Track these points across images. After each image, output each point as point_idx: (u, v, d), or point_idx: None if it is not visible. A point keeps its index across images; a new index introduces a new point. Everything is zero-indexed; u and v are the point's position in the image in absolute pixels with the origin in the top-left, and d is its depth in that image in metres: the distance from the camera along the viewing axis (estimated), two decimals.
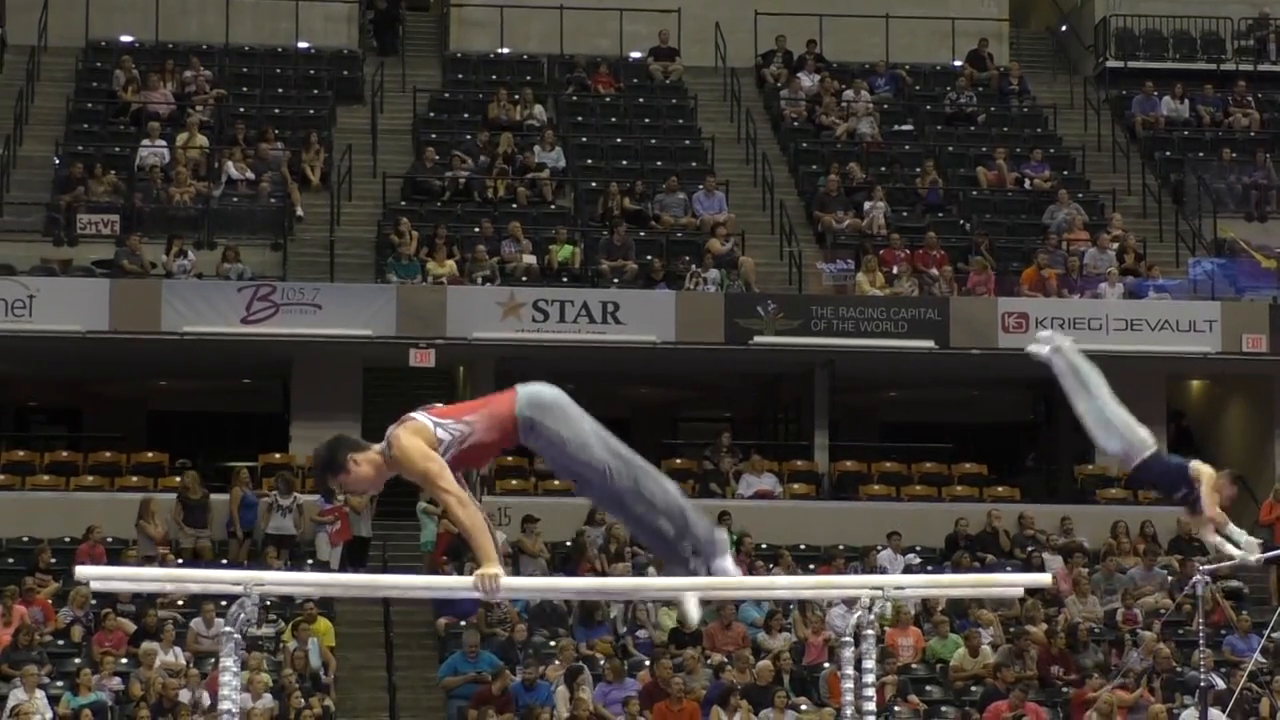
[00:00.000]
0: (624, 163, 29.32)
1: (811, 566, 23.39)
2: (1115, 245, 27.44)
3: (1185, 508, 13.99)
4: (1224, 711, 19.83)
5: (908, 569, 23.31)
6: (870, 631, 9.14)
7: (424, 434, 8.68)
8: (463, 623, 22.07)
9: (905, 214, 28.51)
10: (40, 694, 19.85)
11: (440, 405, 8.85)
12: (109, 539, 22.95)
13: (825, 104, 30.64)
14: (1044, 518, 25.29)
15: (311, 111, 29.86)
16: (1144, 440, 13.44)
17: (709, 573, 8.90)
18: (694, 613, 9.26)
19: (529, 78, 31.04)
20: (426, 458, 8.62)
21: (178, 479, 24.52)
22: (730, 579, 8.97)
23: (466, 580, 8.63)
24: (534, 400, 8.78)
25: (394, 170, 28.39)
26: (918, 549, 24.48)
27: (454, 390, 26.52)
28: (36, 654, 20.64)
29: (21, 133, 28.64)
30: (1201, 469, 13.72)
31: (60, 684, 20.46)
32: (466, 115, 30.02)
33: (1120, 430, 13.37)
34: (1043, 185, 29.32)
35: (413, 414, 8.76)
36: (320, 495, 23.20)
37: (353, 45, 31.92)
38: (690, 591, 9.06)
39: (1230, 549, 14.32)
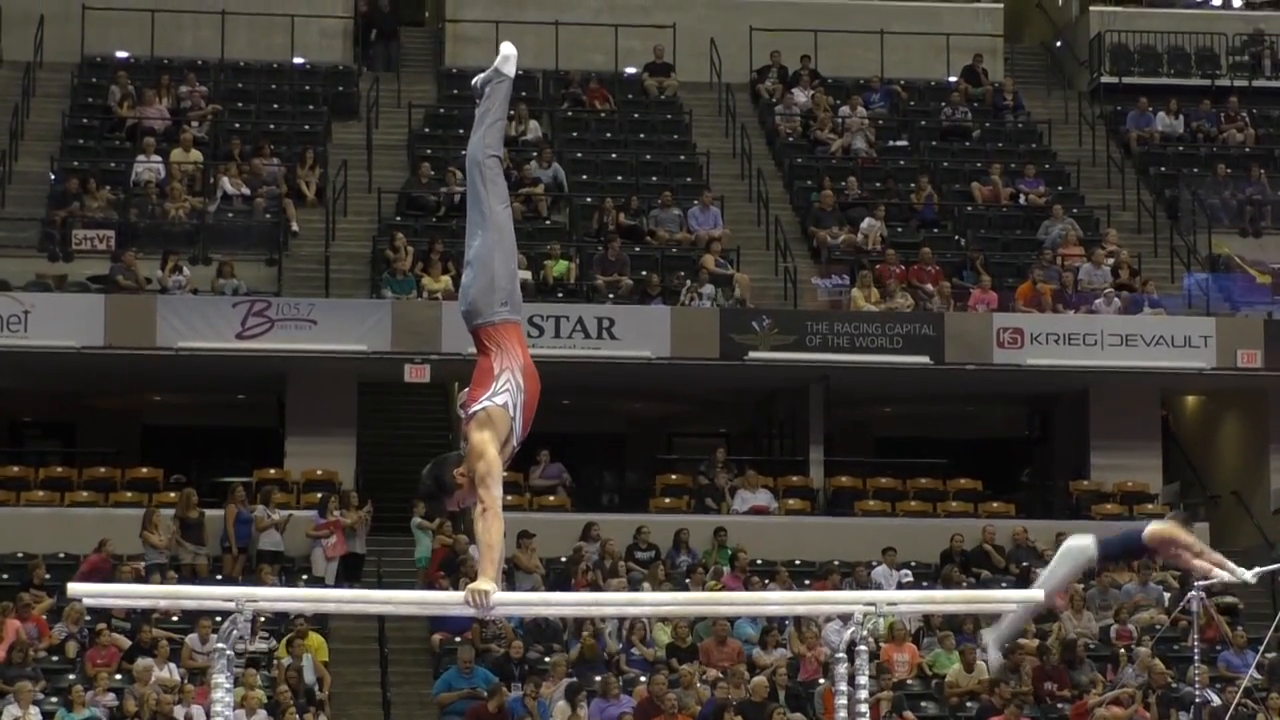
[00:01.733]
0: (619, 178, 29.34)
1: (807, 582, 23.39)
2: (1110, 261, 27.46)
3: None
4: None
5: (900, 585, 23.31)
6: (864, 647, 9.14)
7: (494, 420, 8.64)
8: (457, 638, 22.06)
9: (900, 229, 28.52)
10: (35, 710, 19.83)
11: (465, 391, 8.82)
12: None
13: (820, 119, 30.66)
14: (1039, 533, 25.28)
15: (307, 127, 29.87)
16: (1078, 553, 13.02)
17: (500, 69, 9.10)
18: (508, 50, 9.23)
19: (524, 93, 31.00)
20: (480, 456, 8.57)
21: (172, 494, 24.52)
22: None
23: (458, 596, 8.61)
24: (486, 308, 8.85)
25: (389, 186, 28.39)
26: (913, 564, 24.48)
27: (448, 407, 26.52)
28: (31, 670, 20.61)
29: (17, 148, 28.65)
30: (1156, 531, 13.05)
31: (55, 700, 20.43)
32: (461, 131, 29.93)
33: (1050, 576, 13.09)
34: (1037, 201, 29.33)
35: (472, 409, 8.69)
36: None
37: (348, 61, 31.95)
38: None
39: (1228, 574, 14.26)
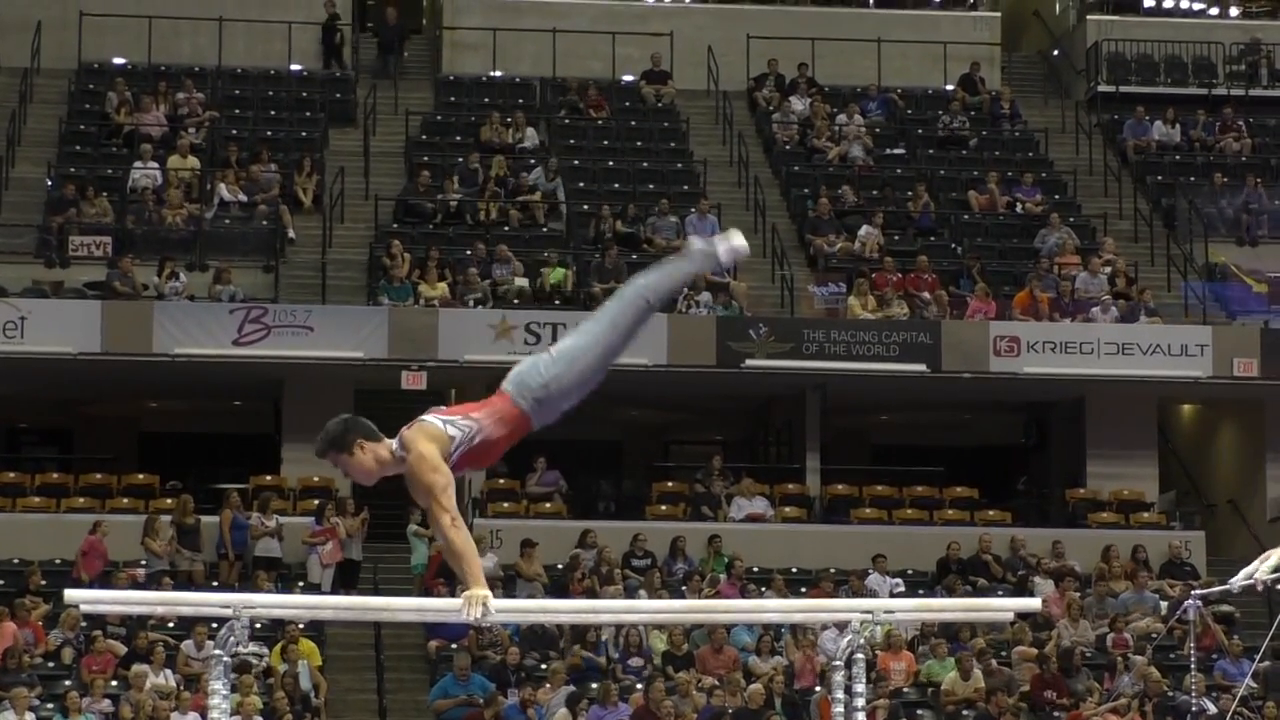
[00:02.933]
0: (616, 185, 29.34)
1: (803, 590, 23.38)
2: (1107, 269, 27.47)
3: None
4: None
5: (892, 594, 23.31)
6: (861, 655, 9.13)
7: (439, 440, 8.56)
8: (453, 645, 22.05)
9: (897, 237, 28.53)
10: (31, 716, 19.83)
11: (444, 407, 8.81)
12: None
13: (817, 127, 30.67)
14: (1035, 542, 25.29)
15: (304, 134, 29.87)
16: None
17: (720, 251, 9.01)
18: (737, 242, 9.07)
19: (521, 100, 31.07)
20: (435, 469, 8.51)
21: (169, 501, 24.51)
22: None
23: (456, 603, 8.60)
24: (521, 387, 8.71)
25: (386, 192, 28.39)
26: (909, 572, 24.47)
27: None
28: (27, 676, 20.61)
29: (14, 154, 28.64)
30: None
31: (50, 706, 20.43)
32: (459, 138, 30.04)
33: None
34: (1034, 209, 29.33)
35: (424, 417, 8.67)
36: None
37: (345, 68, 31.93)
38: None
39: (1244, 571, 14.40)
